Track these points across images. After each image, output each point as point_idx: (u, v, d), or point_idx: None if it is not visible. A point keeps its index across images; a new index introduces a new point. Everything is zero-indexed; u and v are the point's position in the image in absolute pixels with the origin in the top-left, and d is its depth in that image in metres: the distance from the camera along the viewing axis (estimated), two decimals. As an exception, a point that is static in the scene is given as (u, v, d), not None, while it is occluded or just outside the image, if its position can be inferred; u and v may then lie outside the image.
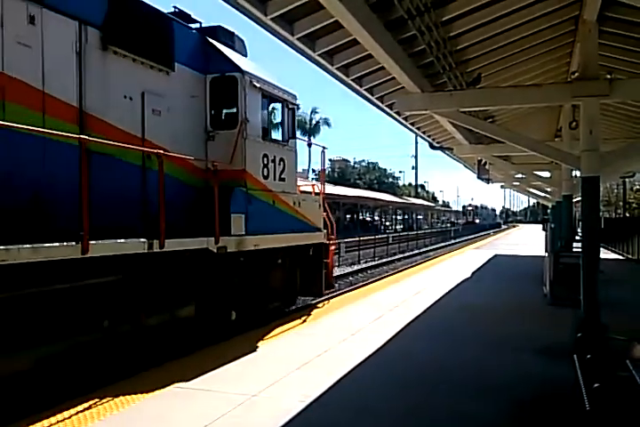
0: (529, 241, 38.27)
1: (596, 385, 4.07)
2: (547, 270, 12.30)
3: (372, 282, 16.08)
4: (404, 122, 16.57)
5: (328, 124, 77.07)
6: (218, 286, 8.32)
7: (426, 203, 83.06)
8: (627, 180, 39.24)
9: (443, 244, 43.23)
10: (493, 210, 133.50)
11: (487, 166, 23.64)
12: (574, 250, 14.46)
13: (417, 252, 33.29)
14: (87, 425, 4.71)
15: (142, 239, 6.47)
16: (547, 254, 12.79)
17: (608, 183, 48.34)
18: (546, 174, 24.95)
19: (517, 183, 30.46)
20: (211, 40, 8.99)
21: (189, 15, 8.99)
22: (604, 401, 4.14)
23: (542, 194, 29.45)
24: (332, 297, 12.51)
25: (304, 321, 9.47)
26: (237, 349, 7.34)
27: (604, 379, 4.51)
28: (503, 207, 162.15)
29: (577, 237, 19.49)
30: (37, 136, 5.62)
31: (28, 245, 4.99)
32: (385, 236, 35.55)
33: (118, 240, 6.16)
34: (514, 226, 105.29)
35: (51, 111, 6.09)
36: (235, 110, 8.85)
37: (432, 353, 7.45)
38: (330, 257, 11.96)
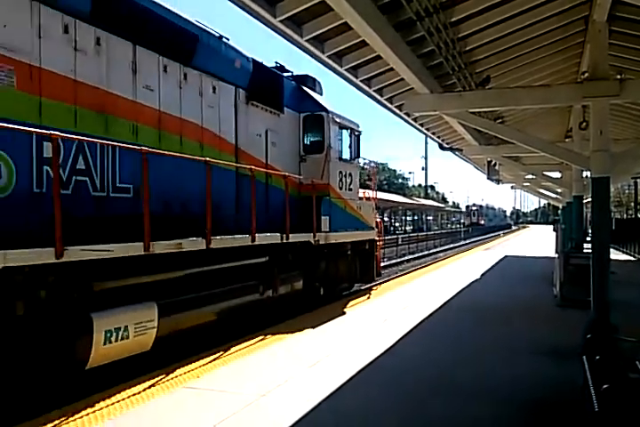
0: (539, 242, 38.10)
1: (605, 386, 4.05)
2: (557, 271, 12.26)
3: (383, 282, 16.06)
4: (413, 123, 16.58)
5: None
6: (313, 268, 11.28)
7: (435, 204, 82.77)
8: (638, 180, 38.94)
9: (452, 245, 43.10)
10: (503, 211, 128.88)
11: (497, 167, 23.61)
12: (585, 251, 14.39)
13: (426, 253, 33.21)
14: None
15: (278, 233, 9.38)
16: (557, 255, 12.74)
17: (619, 184, 47.99)
18: (556, 175, 24.85)
19: (528, 184, 30.38)
20: (303, 87, 11.81)
21: (284, 66, 11.73)
22: (614, 403, 4.13)
23: (553, 195, 29.37)
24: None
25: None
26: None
27: (614, 380, 4.49)
28: (513, 208, 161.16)
29: (587, 238, 19.42)
30: (220, 167, 8.27)
31: (229, 236, 7.92)
32: (394, 237, 35.49)
33: (267, 234, 8.99)
34: (524, 227, 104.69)
35: (222, 148, 9.03)
36: (321, 139, 11.70)
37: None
38: (378, 251, 14.66)
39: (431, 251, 35.13)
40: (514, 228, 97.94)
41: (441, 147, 21.36)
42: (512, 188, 36.47)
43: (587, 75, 9.52)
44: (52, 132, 5.34)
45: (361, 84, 11.63)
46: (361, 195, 14.26)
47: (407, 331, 8.79)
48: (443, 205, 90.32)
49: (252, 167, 8.79)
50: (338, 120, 12.17)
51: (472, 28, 9.87)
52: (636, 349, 5.71)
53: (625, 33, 10.49)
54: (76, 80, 6.31)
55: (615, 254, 22.03)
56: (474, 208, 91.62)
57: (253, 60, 9.82)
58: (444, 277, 17.31)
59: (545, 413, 5.27)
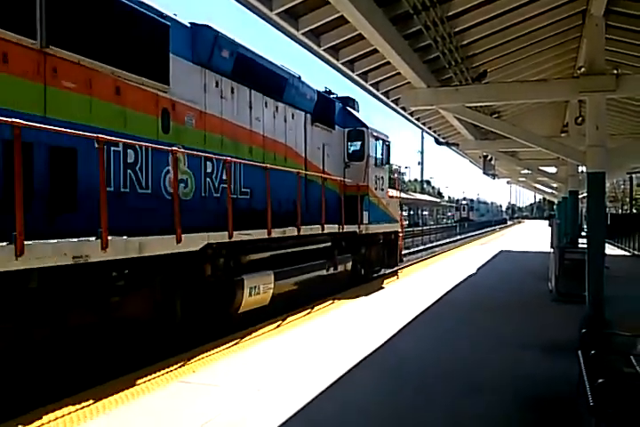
0: (535, 237, 38.17)
1: (600, 381, 4.05)
2: (552, 266, 12.28)
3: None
4: (409, 117, 16.55)
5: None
6: (357, 253, 14.02)
7: (431, 199, 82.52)
8: (633, 176, 39.06)
9: (448, 240, 43.13)
10: (499, 206, 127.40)
11: (493, 162, 23.59)
12: (580, 246, 14.43)
13: (422, 248, 33.23)
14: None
15: (336, 225, 11.93)
16: (552, 250, 12.77)
17: (614, 179, 48.14)
18: (552, 170, 24.87)
19: (523, 179, 30.39)
20: (347, 107, 14.56)
21: (331, 91, 14.29)
22: (609, 397, 4.14)
23: (548, 190, 29.42)
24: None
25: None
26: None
27: (609, 375, 4.50)
28: (509, 203, 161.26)
29: (583, 233, 19.46)
30: (294, 174, 10.44)
31: (310, 226, 10.58)
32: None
33: (331, 225, 11.60)
34: (519, 222, 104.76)
35: (297, 160, 11.75)
36: (362, 149, 14.38)
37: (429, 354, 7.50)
38: (400, 241, 17.42)
39: (427, 246, 35.16)
40: (509, 223, 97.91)
41: (437, 141, 21.34)
42: (508, 183, 36.49)
43: (583, 69, 9.50)
44: (226, 157, 8.41)
45: (357, 78, 11.58)
46: (391, 193, 16.97)
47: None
48: (438, 200, 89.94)
49: (322, 175, 12.15)
50: (374, 134, 14.77)
51: (469, 23, 9.83)
52: (631, 343, 5.72)
53: (622, 27, 10.47)
54: (222, 118, 9.07)
55: (610, 249, 22.09)
56: (464, 202, 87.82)
57: (317, 91, 12.74)
58: (439, 272, 17.35)
59: (541, 406, 5.28)
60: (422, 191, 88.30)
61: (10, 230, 4.61)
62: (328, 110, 13.27)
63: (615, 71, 10.07)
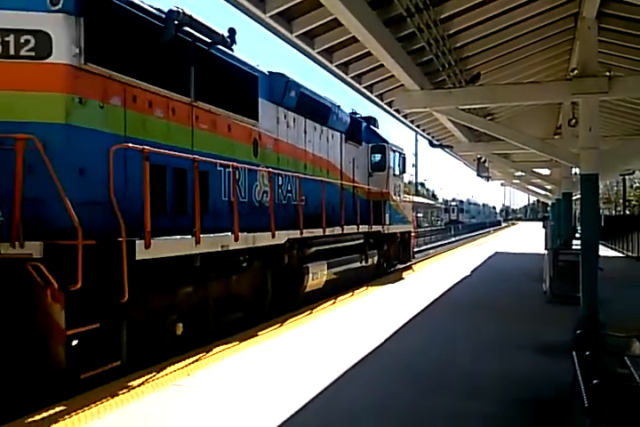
0: (529, 238, 38.27)
1: (594, 382, 4.06)
2: (546, 268, 12.31)
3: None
4: (403, 120, 16.58)
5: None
6: (380, 249, 16.43)
7: (426, 201, 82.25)
8: (626, 177, 39.26)
9: (443, 242, 43.16)
10: (492, 207, 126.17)
11: (487, 164, 23.66)
12: (574, 247, 14.47)
13: (417, 250, 33.29)
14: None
15: (366, 225, 14.41)
16: (546, 252, 12.80)
17: (608, 181, 48.36)
18: (546, 172, 24.96)
19: (517, 181, 30.47)
20: (370, 126, 17.14)
21: (356, 112, 16.62)
22: (603, 398, 4.14)
23: (542, 191, 29.49)
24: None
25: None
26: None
27: (603, 376, 4.51)
28: (503, 205, 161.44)
29: (577, 235, 19.51)
30: (334, 184, 13.36)
31: (349, 226, 13.16)
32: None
33: (363, 225, 14.13)
34: (513, 224, 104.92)
35: (335, 173, 14.00)
36: (383, 161, 16.98)
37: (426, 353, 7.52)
38: (412, 240, 20.60)
39: (422, 247, 35.19)
40: (503, 224, 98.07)
41: (431, 144, 21.37)
42: (502, 184, 36.59)
43: (576, 72, 9.54)
44: (298, 174, 11.30)
45: (351, 81, 11.59)
46: (405, 198, 19.65)
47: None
48: (433, 202, 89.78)
49: (355, 184, 14.99)
50: (393, 148, 17.49)
51: (462, 25, 9.86)
52: (625, 344, 5.74)
53: (614, 30, 10.53)
54: (288, 142, 11.44)
55: (604, 251, 22.16)
56: (453, 204, 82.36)
57: (350, 114, 15.45)
58: (434, 273, 17.39)
59: (536, 407, 5.29)
60: (417, 193, 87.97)
61: (182, 227, 7.19)
62: (357, 129, 15.83)
63: (608, 73, 10.11)
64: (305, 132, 12.39)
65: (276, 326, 8.75)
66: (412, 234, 20.26)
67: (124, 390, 5.47)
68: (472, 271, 17.60)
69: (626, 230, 25.21)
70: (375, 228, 15.21)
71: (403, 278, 15.97)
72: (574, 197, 19.58)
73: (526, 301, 11.62)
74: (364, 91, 12.46)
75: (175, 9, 7.42)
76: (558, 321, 9.06)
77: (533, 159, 21.32)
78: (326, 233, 11.75)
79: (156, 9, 7.41)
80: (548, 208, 35.78)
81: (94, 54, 6.24)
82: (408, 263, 20.12)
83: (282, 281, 10.44)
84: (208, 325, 8.07)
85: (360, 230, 13.95)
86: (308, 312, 10.05)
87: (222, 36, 8.51)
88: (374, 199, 15.70)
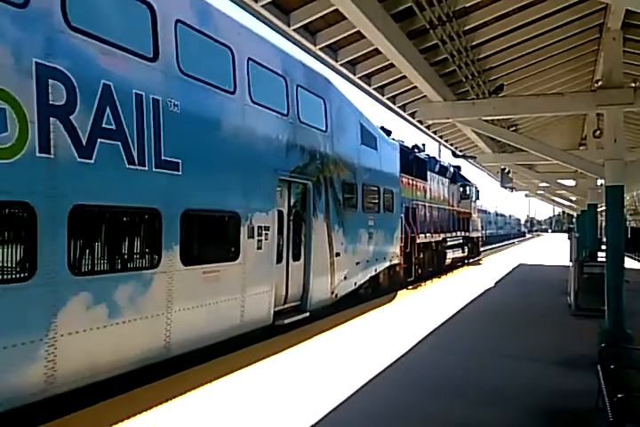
0: (553, 250, 37.83)
1: (619, 396, 4.03)
2: (571, 280, 12.17)
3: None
4: (426, 130, 16.58)
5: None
6: (466, 245, 28.26)
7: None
8: (654, 188, 38.54)
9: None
10: (517, 219, 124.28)
11: (511, 175, 23.48)
12: (599, 259, 14.27)
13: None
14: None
15: (463, 231, 27.87)
16: (571, 264, 12.66)
17: (634, 192, 47.58)
18: (571, 183, 24.68)
19: (542, 192, 30.14)
20: (459, 172, 28.75)
21: (450, 164, 28.04)
22: (628, 412, 4.11)
23: (567, 203, 29.13)
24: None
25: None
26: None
27: (628, 390, 4.47)
28: (527, 216, 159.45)
29: (602, 247, 19.24)
30: (448, 209, 26.06)
31: (459, 232, 27.74)
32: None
33: (463, 232, 28.10)
34: (537, 235, 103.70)
35: (445, 202, 25.66)
36: (467, 194, 29.08)
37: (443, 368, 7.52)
38: (480, 242, 33.14)
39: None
40: (528, 236, 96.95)
41: (454, 154, 21.29)
42: (526, 195, 36.18)
43: (600, 83, 9.47)
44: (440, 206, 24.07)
45: (374, 93, 11.65)
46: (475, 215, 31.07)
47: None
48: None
49: (455, 209, 26.48)
50: (472, 185, 28.91)
51: (486, 36, 9.88)
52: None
53: (639, 41, 10.44)
54: (431, 189, 22.75)
55: (630, 263, 21.81)
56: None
57: (454, 169, 27.13)
58: (458, 284, 17.30)
59: (561, 421, 5.24)
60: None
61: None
62: (454, 175, 26.91)
63: (633, 84, 10.02)
64: (437, 182, 23.53)
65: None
66: (480, 238, 33.00)
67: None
68: (496, 283, 17.67)
69: (653, 243, 24.78)
70: (465, 233, 27.44)
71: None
72: (600, 209, 19.34)
73: (550, 313, 11.49)
74: (387, 102, 12.51)
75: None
76: (583, 334, 8.95)
77: (558, 170, 21.09)
78: (449, 235, 24.11)
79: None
80: (573, 220, 35.37)
81: None
82: (476, 258, 31.18)
83: (437, 257, 22.04)
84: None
85: (459, 235, 26.17)
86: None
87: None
88: (463, 217, 27.57)
